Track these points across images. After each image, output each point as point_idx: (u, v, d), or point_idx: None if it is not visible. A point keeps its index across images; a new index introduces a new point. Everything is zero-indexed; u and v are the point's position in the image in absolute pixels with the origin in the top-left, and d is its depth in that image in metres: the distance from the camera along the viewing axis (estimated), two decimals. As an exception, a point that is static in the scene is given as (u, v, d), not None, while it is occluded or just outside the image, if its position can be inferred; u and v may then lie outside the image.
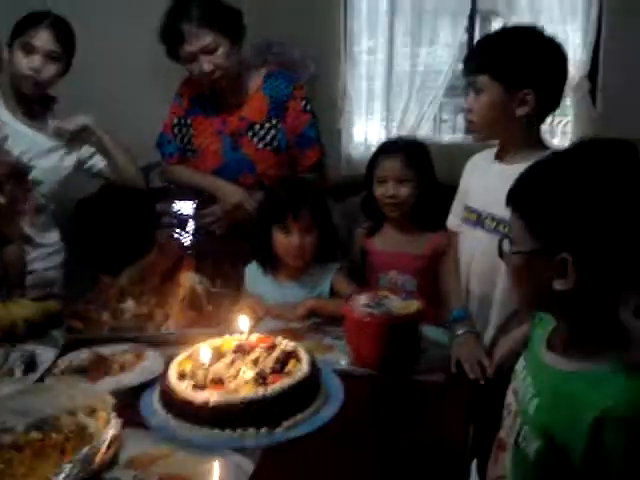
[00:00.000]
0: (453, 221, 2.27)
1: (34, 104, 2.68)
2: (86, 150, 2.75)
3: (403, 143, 2.59)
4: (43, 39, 2.54)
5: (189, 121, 2.81)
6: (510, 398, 1.43)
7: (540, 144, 2.02)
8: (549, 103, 2.00)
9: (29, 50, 2.53)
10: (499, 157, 2.08)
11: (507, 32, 2.20)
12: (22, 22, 2.57)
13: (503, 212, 1.93)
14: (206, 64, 2.57)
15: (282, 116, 2.72)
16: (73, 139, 2.65)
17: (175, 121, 2.84)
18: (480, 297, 2.09)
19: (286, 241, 2.32)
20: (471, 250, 2.11)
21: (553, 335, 1.37)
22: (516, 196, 1.33)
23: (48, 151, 2.65)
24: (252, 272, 2.48)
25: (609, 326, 1.26)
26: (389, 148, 2.56)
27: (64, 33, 2.61)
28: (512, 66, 1.92)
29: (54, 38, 2.56)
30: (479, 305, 2.09)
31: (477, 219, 2.07)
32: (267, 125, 2.72)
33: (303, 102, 2.75)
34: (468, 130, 4.66)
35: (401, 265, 2.48)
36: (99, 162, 2.77)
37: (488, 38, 2.11)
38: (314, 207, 2.34)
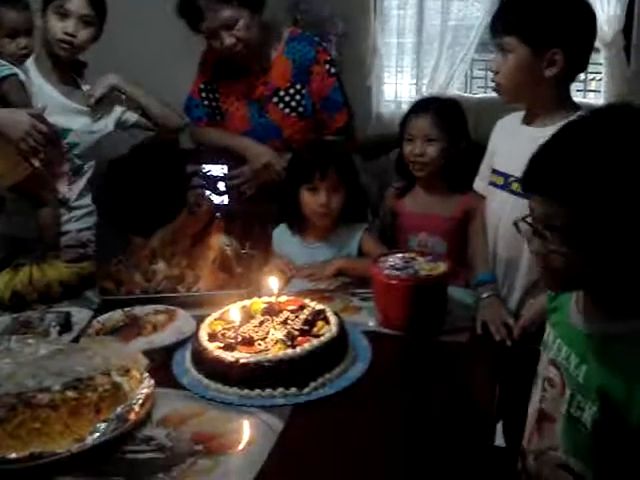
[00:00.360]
0: (480, 184, 2.26)
1: (68, 69, 2.70)
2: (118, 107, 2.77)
3: (434, 102, 2.55)
4: (77, 3, 2.54)
5: (215, 86, 2.81)
6: (549, 371, 1.42)
7: (569, 105, 1.99)
8: (578, 63, 1.97)
9: (63, 14, 2.53)
10: (527, 120, 2.05)
11: None
12: None
13: None
14: (227, 39, 2.55)
15: (307, 81, 2.70)
16: (102, 101, 2.67)
17: (202, 86, 2.84)
18: (507, 261, 2.09)
19: (313, 200, 2.33)
20: (498, 213, 2.10)
21: (582, 301, 1.37)
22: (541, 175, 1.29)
23: (82, 114, 2.67)
24: (280, 234, 2.50)
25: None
26: (419, 106, 2.54)
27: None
28: (540, 26, 1.89)
29: (87, 2, 2.56)
30: (505, 268, 2.10)
31: (504, 182, 2.06)
32: (292, 91, 2.71)
33: (327, 65, 2.71)
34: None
35: (430, 227, 2.47)
36: (132, 116, 2.79)
37: (513, 0, 2.06)
38: (341, 167, 2.34)
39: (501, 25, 1.98)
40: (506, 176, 2.06)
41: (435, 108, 2.48)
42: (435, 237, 2.46)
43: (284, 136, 2.73)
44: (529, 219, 1.30)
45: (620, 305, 1.27)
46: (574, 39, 1.91)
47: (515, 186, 2.02)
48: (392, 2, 4.85)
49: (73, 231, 2.72)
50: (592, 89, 4.87)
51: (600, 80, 4.63)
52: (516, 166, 1.99)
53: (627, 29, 4.34)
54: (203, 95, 2.85)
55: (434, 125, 2.44)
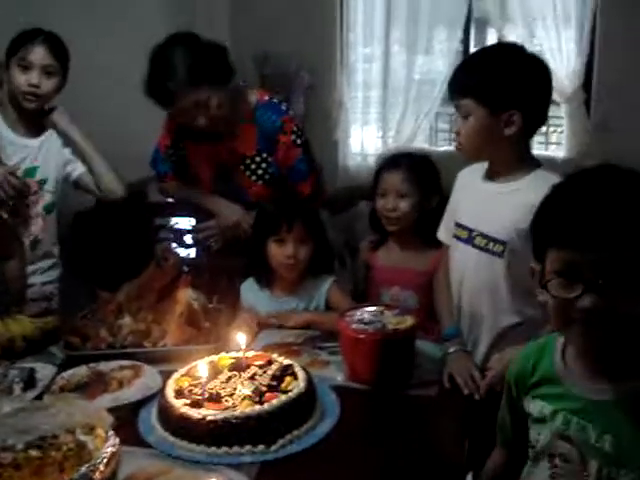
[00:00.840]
0: (444, 234, 2.26)
1: (34, 118, 2.71)
2: (68, 152, 2.78)
3: (406, 157, 2.59)
4: (39, 54, 2.58)
5: (181, 145, 2.79)
6: (558, 446, 1.38)
7: (530, 160, 2.02)
8: (536, 121, 2.00)
9: (26, 66, 2.57)
10: (489, 176, 2.07)
11: (487, 53, 2.18)
12: (16, 40, 2.61)
13: (494, 231, 1.97)
14: (200, 119, 2.49)
15: (273, 149, 2.66)
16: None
17: (167, 143, 2.82)
18: (470, 314, 2.09)
19: (280, 251, 2.34)
20: (462, 267, 2.11)
21: (582, 367, 1.36)
22: None
23: (47, 151, 2.71)
24: (248, 287, 2.50)
25: None
26: (391, 161, 2.57)
27: (58, 48, 2.64)
28: (495, 88, 1.90)
29: (49, 53, 2.60)
30: (470, 321, 2.10)
31: (468, 236, 2.07)
32: (258, 159, 2.68)
33: (293, 136, 2.66)
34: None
35: (403, 281, 2.49)
36: (79, 167, 2.79)
37: (469, 60, 2.10)
38: (307, 218, 2.36)
39: (458, 88, 2.00)
40: (470, 230, 2.07)
41: (407, 164, 2.51)
42: (408, 291, 2.48)
43: (251, 200, 2.71)
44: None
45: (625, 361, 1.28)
46: (531, 99, 1.94)
47: (479, 240, 2.03)
48: (358, 56, 4.93)
49: (37, 284, 2.71)
50: (554, 142, 4.98)
51: (562, 133, 4.73)
52: (479, 221, 2.03)
53: (587, 83, 4.46)
54: (170, 152, 2.83)
55: (406, 180, 2.47)
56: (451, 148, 5.20)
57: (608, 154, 4.15)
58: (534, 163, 2.01)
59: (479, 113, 1.92)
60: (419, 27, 4.79)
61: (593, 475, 1.31)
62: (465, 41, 4.93)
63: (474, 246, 2.04)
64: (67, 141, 2.75)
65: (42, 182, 2.69)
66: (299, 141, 2.69)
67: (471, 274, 2.06)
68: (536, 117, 1.98)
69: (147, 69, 2.49)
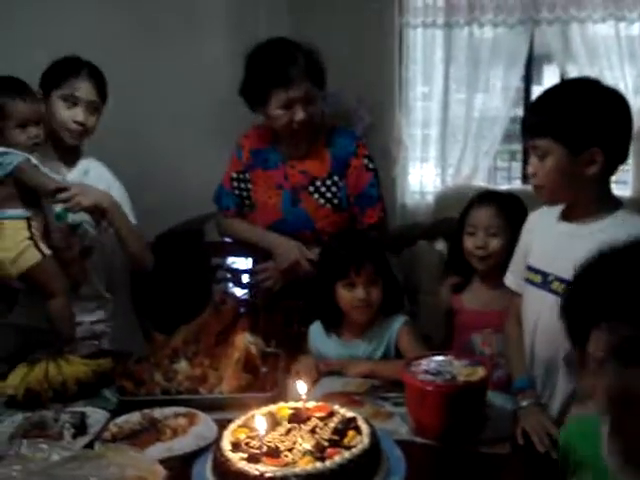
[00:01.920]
0: (513, 280, 2.16)
1: (67, 152, 2.65)
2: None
3: (496, 195, 2.53)
4: (85, 90, 2.53)
5: (248, 176, 2.78)
6: None
7: (611, 200, 1.92)
8: (618, 157, 1.90)
9: (72, 102, 2.52)
10: (566, 216, 1.97)
11: (563, 89, 2.09)
12: (57, 71, 2.55)
13: (572, 275, 1.86)
14: (302, 112, 2.54)
15: (344, 173, 2.67)
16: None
17: (234, 175, 2.81)
18: (546, 362, 1.98)
19: (351, 296, 2.25)
20: (536, 312, 2.00)
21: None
22: None
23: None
24: (316, 332, 2.41)
25: None
26: (481, 198, 2.49)
27: (102, 82, 2.59)
28: (575, 126, 1.81)
29: (95, 89, 2.55)
30: (545, 370, 1.99)
31: (542, 280, 1.97)
32: (329, 182, 2.68)
33: (366, 160, 2.70)
34: (525, 180, 4.59)
35: (495, 323, 2.34)
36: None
37: (544, 97, 1.97)
38: (375, 258, 2.27)
39: (534, 127, 1.91)
40: (544, 274, 1.97)
41: (497, 201, 2.45)
42: (500, 334, 2.32)
43: (316, 227, 2.67)
44: None
45: None
46: (612, 136, 1.84)
47: (555, 285, 1.92)
48: (417, 94, 4.91)
49: (86, 322, 2.65)
50: (619, 181, 4.83)
51: (628, 171, 4.59)
52: (556, 264, 1.92)
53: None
54: (234, 184, 2.81)
55: (496, 217, 2.40)
56: (511, 186, 5.13)
57: None
58: (615, 203, 1.91)
59: (559, 153, 1.83)
60: (479, 65, 4.76)
61: None
62: (526, 78, 4.87)
63: (550, 291, 1.93)
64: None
65: (73, 227, 2.58)
66: (371, 165, 2.71)
67: (547, 320, 1.93)
68: (618, 154, 1.88)
69: (244, 71, 2.62)
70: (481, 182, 4.87)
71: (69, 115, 2.52)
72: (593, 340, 1.19)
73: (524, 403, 1.90)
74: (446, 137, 4.88)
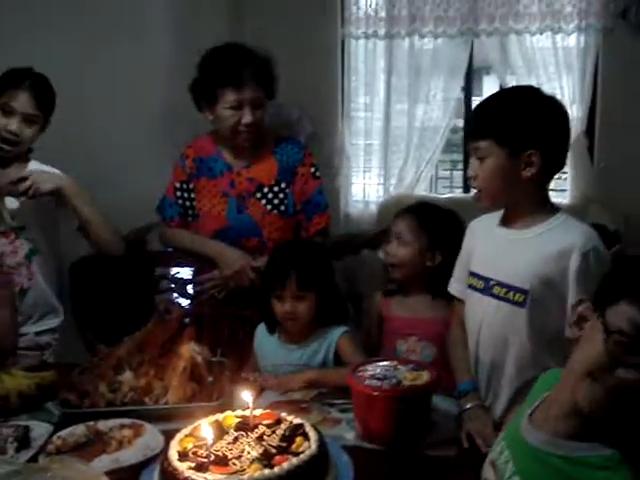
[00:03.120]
0: (456, 287, 2.19)
1: (9, 160, 2.60)
2: None
3: (419, 207, 2.54)
4: (22, 102, 2.49)
5: (191, 185, 2.77)
6: (486, 471, 1.41)
7: (548, 206, 1.98)
8: (555, 162, 1.96)
9: (7, 111, 2.48)
10: (505, 222, 2.02)
11: (505, 94, 2.17)
12: (2, 81, 2.52)
13: (514, 279, 1.90)
14: (249, 116, 2.56)
15: (291, 181, 2.70)
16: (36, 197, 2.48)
17: (177, 185, 2.79)
18: (490, 365, 2.01)
19: (279, 307, 2.28)
20: (479, 317, 2.03)
21: (542, 411, 1.35)
22: None
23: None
24: (261, 332, 2.43)
25: None
26: (404, 209, 2.53)
27: (44, 95, 2.55)
28: (515, 129, 1.87)
29: (34, 102, 2.51)
30: (490, 373, 2.02)
31: (484, 286, 2.01)
32: (276, 189, 2.69)
33: (312, 168, 2.74)
34: (466, 189, 4.66)
35: (420, 331, 2.39)
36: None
37: (487, 102, 2.05)
38: (302, 273, 2.27)
39: (476, 129, 1.97)
40: (486, 279, 2.00)
41: (417, 212, 2.47)
42: (424, 341, 2.38)
43: (262, 234, 2.68)
44: None
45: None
46: (550, 139, 1.90)
47: (497, 290, 1.96)
48: (359, 105, 4.94)
49: (30, 334, 2.59)
50: (557, 188, 4.95)
51: (565, 179, 4.71)
52: (497, 270, 1.97)
53: (590, 129, 4.46)
54: (178, 194, 2.79)
55: (409, 227, 2.42)
56: (452, 195, 5.21)
57: (612, 200, 4.19)
58: (553, 208, 1.97)
59: (499, 154, 1.89)
60: (420, 76, 4.83)
61: None
62: (466, 89, 4.96)
63: (492, 295, 1.97)
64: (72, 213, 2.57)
65: (19, 229, 2.55)
66: (318, 174, 2.76)
67: (490, 324, 1.99)
68: (555, 159, 1.94)
69: (197, 69, 2.64)
70: (423, 191, 4.93)
71: (3, 124, 2.48)
72: (618, 311, 1.22)
73: (468, 405, 1.93)
74: (388, 147, 4.93)
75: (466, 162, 4.74)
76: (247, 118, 2.56)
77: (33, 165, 2.64)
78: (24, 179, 2.41)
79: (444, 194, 5.38)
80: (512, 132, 1.88)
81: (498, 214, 2.05)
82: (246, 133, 2.60)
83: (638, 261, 1.31)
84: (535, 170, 1.88)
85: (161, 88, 3.98)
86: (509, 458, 1.33)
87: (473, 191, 2.06)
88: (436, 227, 2.42)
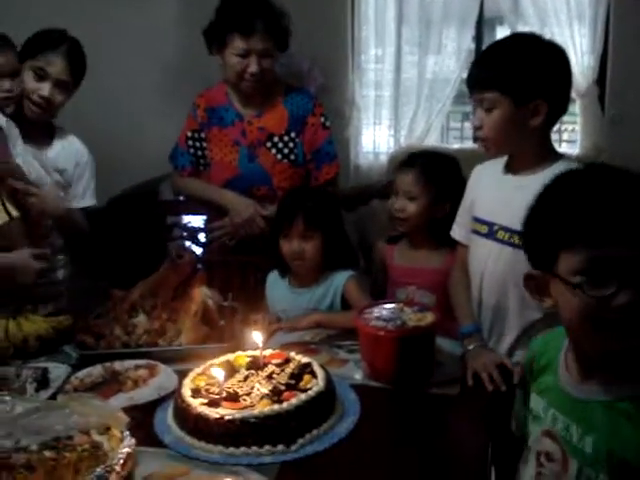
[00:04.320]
0: (459, 232, 2.22)
1: (36, 128, 2.60)
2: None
3: (421, 157, 2.52)
4: (58, 68, 2.49)
5: (203, 135, 2.81)
6: (544, 444, 1.37)
7: (553, 152, 2.01)
8: (559, 109, 1.97)
9: (41, 76, 2.48)
10: (509, 169, 2.04)
11: (508, 43, 2.14)
12: (36, 42, 2.51)
13: (517, 223, 1.93)
14: (255, 65, 2.59)
15: (301, 131, 2.74)
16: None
17: (189, 134, 2.83)
18: (494, 308, 2.05)
19: (287, 247, 2.34)
20: (483, 261, 2.07)
21: (576, 363, 1.34)
22: None
23: (44, 172, 2.57)
24: (272, 277, 2.50)
25: None
26: (407, 161, 2.52)
27: (78, 62, 2.56)
28: (521, 79, 1.88)
29: (68, 68, 2.51)
30: (493, 316, 2.06)
31: (488, 231, 2.04)
32: (286, 138, 2.73)
33: (322, 118, 2.78)
34: (475, 142, 4.64)
35: (419, 280, 2.43)
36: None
37: (490, 52, 2.06)
38: (309, 212, 2.32)
39: (481, 81, 1.97)
40: (490, 224, 2.04)
41: (421, 165, 2.45)
42: (423, 290, 2.41)
43: (272, 183, 2.73)
44: None
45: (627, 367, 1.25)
46: (555, 87, 1.92)
47: (501, 234, 2.00)
48: (369, 57, 4.91)
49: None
50: (567, 139, 4.95)
51: (573, 131, 4.70)
52: (501, 215, 1.99)
53: (601, 79, 4.43)
54: (189, 143, 2.84)
55: (416, 182, 2.42)
56: (463, 146, 5.19)
57: (622, 149, 4.19)
58: (556, 155, 1.99)
59: (505, 105, 1.89)
60: (430, 27, 4.77)
61: (573, 476, 1.29)
62: (477, 40, 4.92)
63: (496, 240, 2.01)
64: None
65: None
66: (327, 123, 2.79)
67: (494, 268, 2.02)
68: (559, 105, 1.95)
69: (214, 13, 2.65)
70: (434, 142, 4.92)
71: (35, 87, 2.48)
72: (563, 262, 1.23)
73: (471, 346, 1.98)
74: (399, 98, 4.91)
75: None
76: (253, 67, 2.59)
77: (71, 139, 2.69)
78: (31, 194, 2.36)
79: (454, 144, 5.37)
80: (518, 82, 1.88)
81: (502, 160, 2.07)
82: (251, 82, 2.63)
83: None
84: (542, 119, 1.90)
85: (174, 39, 3.99)
86: (569, 422, 1.31)
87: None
88: (442, 178, 2.42)
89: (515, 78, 1.88)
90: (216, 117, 2.79)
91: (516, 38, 2.18)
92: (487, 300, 2.07)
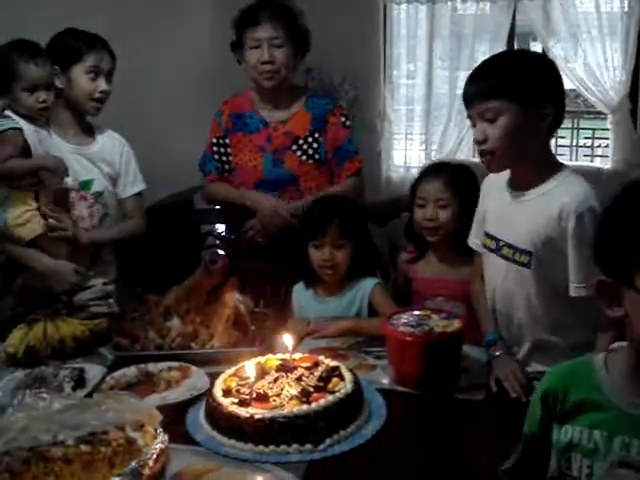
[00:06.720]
0: (474, 242, 2.20)
1: (84, 121, 2.70)
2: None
3: (445, 166, 2.53)
4: (107, 62, 2.60)
5: (227, 140, 2.91)
6: (620, 476, 1.27)
7: (553, 162, 1.99)
8: (561, 115, 1.95)
9: (96, 73, 2.57)
10: (510, 183, 2.02)
11: (502, 56, 2.19)
12: (76, 46, 2.58)
13: (519, 241, 1.93)
14: (267, 53, 2.70)
15: (323, 129, 2.85)
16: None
17: (214, 140, 2.94)
18: (507, 320, 2.07)
19: (317, 255, 2.37)
20: (494, 276, 2.08)
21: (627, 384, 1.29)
22: None
23: (93, 166, 2.67)
24: (298, 288, 2.53)
25: None
26: (430, 170, 2.53)
27: (112, 51, 2.65)
28: (528, 82, 1.87)
29: (111, 58, 2.62)
30: (506, 327, 2.08)
31: (495, 247, 2.04)
32: (310, 139, 2.84)
33: (342, 118, 2.89)
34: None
35: (446, 291, 2.43)
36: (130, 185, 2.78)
37: (486, 65, 2.01)
38: (343, 222, 2.36)
39: (483, 92, 1.91)
40: (497, 240, 2.04)
41: (447, 172, 2.47)
42: (452, 301, 2.39)
43: (300, 184, 2.83)
44: None
45: None
46: (557, 91, 1.94)
47: (506, 251, 2.00)
48: (401, 72, 4.95)
49: (99, 284, 2.69)
50: (599, 154, 4.94)
51: (607, 146, 4.70)
52: (504, 231, 2.00)
53: (633, 93, 4.42)
54: (214, 149, 2.94)
55: (445, 189, 2.42)
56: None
57: None
58: (557, 165, 1.98)
59: (512, 111, 1.85)
60: (462, 42, 4.80)
61: None
62: (509, 54, 4.92)
63: (502, 256, 2.01)
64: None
65: (97, 195, 2.66)
66: (348, 123, 2.90)
67: (503, 284, 2.03)
68: (560, 111, 1.93)
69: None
70: (464, 157, 4.93)
71: (94, 86, 2.58)
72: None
73: (497, 353, 2.00)
74: (430, 113, 4.94)
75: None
76: (265, 56, 2.70)
77: (109, 133, 2.77)
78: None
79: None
80: (525, 86, 1.86)
81: (507, 173, 2.04)
82: (266, 74, 2.73)
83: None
84: (548, 123, 1.89)
85: (207, 51, 4.07)
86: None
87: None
88: (467, 185, 2.43)
89: (522, 82, 1.87)
90: (241, 123, 2.89)
91: (507, 52, 2.20)
92: (500, 312, 2.08)
